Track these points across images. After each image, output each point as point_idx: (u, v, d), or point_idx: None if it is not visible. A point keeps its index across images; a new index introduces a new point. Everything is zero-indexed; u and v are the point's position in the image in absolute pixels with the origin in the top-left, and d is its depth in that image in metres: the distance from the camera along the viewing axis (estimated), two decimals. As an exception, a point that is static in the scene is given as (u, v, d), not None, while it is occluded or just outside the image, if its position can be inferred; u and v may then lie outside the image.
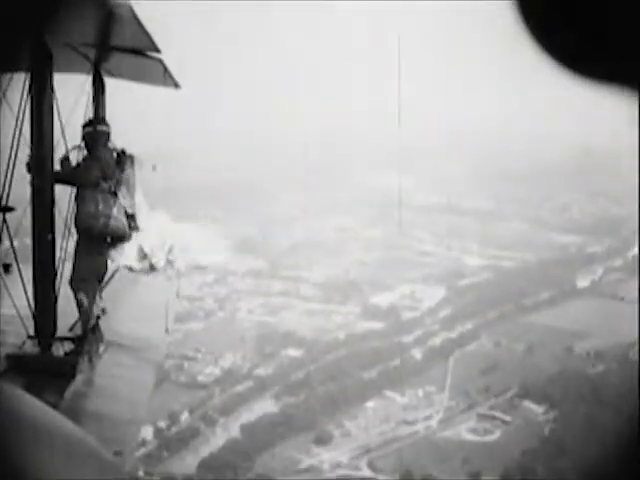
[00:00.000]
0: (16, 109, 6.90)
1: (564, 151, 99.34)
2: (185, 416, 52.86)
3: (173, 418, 52.01)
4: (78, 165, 7.99)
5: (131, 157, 8.16)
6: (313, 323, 66.75)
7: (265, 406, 54.95)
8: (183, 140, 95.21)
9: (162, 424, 50.92)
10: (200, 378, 57.72)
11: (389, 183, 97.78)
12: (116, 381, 7.52)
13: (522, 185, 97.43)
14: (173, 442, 50.50)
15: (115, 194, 7.91)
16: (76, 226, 7.91)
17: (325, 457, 51.30)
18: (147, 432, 48.74)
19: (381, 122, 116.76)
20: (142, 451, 47.53)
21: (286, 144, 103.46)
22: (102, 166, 7.86)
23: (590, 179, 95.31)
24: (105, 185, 7.84)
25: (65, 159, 7.96)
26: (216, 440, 51.39)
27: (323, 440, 52.28)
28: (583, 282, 75.87)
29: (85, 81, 8.67)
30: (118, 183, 8.00)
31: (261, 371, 59.30)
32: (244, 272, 74.96)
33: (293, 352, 61.67)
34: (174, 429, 51.47)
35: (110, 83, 9.09)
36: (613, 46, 1.40)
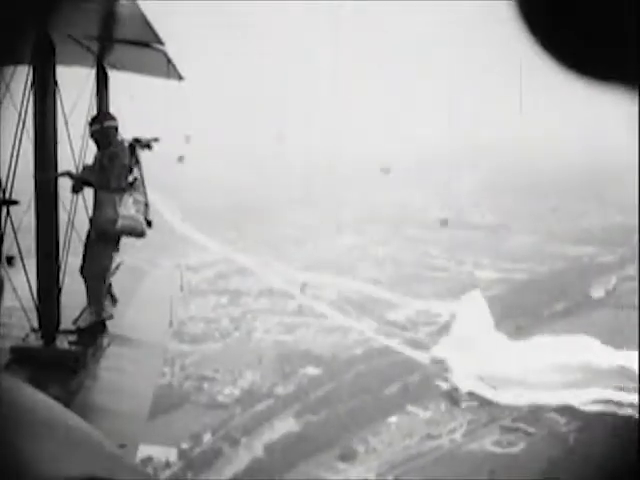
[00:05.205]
0: (19, 102, 6.91)
1: (573, 162, 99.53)
2: (207, 437, 52.46)
3: (196, 439, 51.68)
4: (94, 165, 8.02)
5: (146, 145, 8.16)
6: (330, 341, 66.44)
7: (287, 425, 54.55)
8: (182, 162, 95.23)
9: (185, 445, 50.76)
10: (220, 398, 57.36)
11: (397, 199, 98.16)
12: (120, 374, 7.49)
13: (530, 197, 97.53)
14: (197, 463, 50.09)
15: (134, 189, 7.93)
16: (94, 229, 7.96)
17: (351, 474, 50.80)
18: (171, 454, 48.85)
19: (388, 137, 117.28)
20: (167, 473, 47.54)
21: (290, 160, 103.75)
22: (122, 164, 7.88)
23: (599, 189, 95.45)
24: (124, 183, 7.84)
25: (87, 167, 8.09)
26: (240, 460, 50.96)
27: (348, 457, 51.75)
28: (598, 292, 75.59)
29: (88, 74, 8.77)
30: (138, 175, 8.06)
31: (281, 390, 58.93)
32: (258, 292, 75.12)
33: (312, 370, 61.33)
34: (197, 450, 51.09)
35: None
36: (614, 46, 1.37)
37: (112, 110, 8.97)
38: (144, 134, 8.34)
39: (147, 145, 8.17)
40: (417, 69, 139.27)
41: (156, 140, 8.26)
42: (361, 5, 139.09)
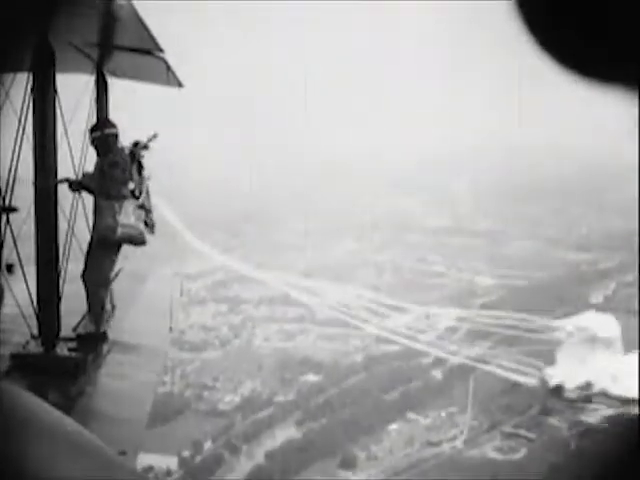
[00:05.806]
0: (19, 109, 6.83)
1: (572, 168, 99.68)
2: (208, 445, 52.35)
3: (197, 447, 51.60)
4: (94, 172, 7.94)
5: (144, 146, 8.08)
6: (330, 347, 66.46)
7: (288, 432, 54.47)
8: (181, 169, 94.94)
9: (186, 453, 50.65)
10: (221, 406, 57.41)
11: (397, 206, 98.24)
12: (120, 381, 7.40)
13: (530, 204, 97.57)
14: (198, 471, 50.02)
15: (136, 197, 7.85)
16: (94, 236, 7.89)
17: (353, 481, 50.96)
18: (172, 462, 48.71)
19: (389, 144, 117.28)
20: (168, 481, 47.64)
21: (290, 166, 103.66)
22: (122, 171, 7.80)
23: (599, 195, 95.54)
24: (124, 191, 7.77)
25: (87, 174, 8.01)
26: (241, 467, 50.94)
27: (349, 464, 51.69)
28: (596, 298, 75.55)
29: (88, 81, 8.68)
30: (140, 182, 7.98)
31: (281, 397, 58.96)
32: (258, 299, 75.17)
33: (312, 377, 61.37)
34: (198, 458, 51.02)
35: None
36: (615, 46, 1.29)
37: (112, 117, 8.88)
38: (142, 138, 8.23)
39: (145, 146, 8.10)
40: (417, 69, 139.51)
41: (155, 136, 8.20)
42: (361, 5, 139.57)
